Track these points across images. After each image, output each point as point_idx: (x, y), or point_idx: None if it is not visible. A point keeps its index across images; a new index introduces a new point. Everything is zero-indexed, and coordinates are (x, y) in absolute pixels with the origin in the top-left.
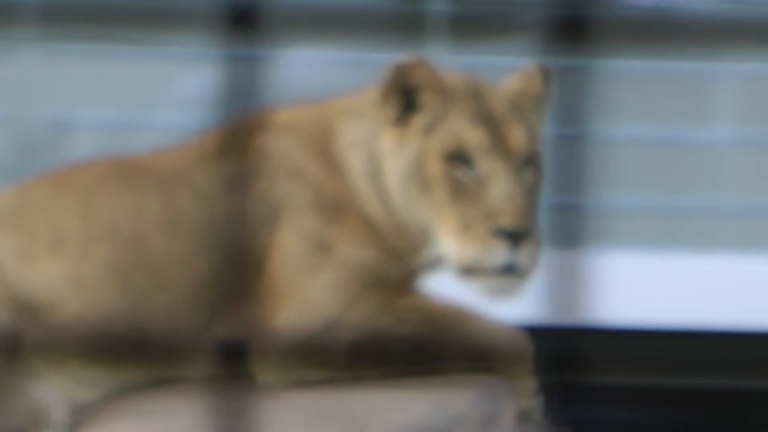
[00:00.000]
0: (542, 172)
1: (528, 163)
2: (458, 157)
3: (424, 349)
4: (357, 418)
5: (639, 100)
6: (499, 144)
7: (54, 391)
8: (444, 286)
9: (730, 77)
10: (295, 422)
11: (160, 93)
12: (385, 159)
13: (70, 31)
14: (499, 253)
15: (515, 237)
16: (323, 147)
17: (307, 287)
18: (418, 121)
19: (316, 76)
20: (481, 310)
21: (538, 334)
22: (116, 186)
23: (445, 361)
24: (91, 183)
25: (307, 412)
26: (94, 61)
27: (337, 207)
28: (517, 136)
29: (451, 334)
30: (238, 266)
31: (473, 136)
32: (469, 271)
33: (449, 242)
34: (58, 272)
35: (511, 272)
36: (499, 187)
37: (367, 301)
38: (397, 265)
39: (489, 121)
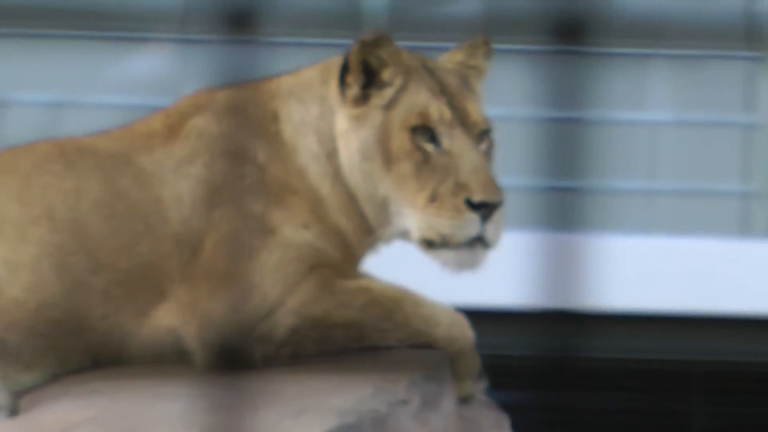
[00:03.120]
0: (494, 144)
1: (483, 134)
2: (422, 130)
3: (363, 334)
4: (296, 401)
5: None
6: (459, 116)
7: None
8: (386, 269)
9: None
10: (234, 404)
11: (102, 75)
12: (340, 138)
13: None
14: (472, 225)
15: (487, 209)
16: (267, 129)
17: (248, 270)
18: (379, 96)
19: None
20: (422, 293)
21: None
22: (56, 168)
23: (385, 345)
24: (30, 165)
25: (246, 394)
26: (34, 43)
27: (280, 189)
28: (474, 109)
29: (392, 318)
30: (178, 249)
31: (436, 109)
32: (437, 243)
33: (416, 215)
34: None
35: (479, 244)
36: (468, 159)
37: (308, 285)
38: (343, 247)
39: (447, 94)
